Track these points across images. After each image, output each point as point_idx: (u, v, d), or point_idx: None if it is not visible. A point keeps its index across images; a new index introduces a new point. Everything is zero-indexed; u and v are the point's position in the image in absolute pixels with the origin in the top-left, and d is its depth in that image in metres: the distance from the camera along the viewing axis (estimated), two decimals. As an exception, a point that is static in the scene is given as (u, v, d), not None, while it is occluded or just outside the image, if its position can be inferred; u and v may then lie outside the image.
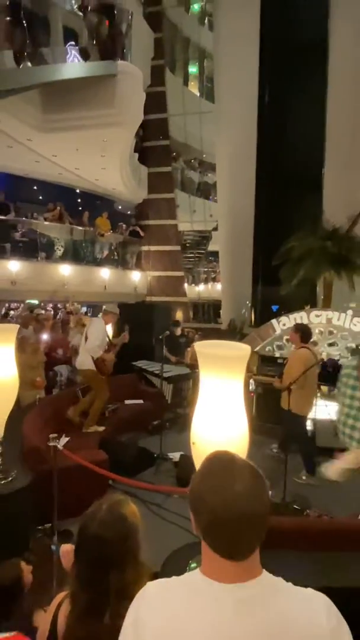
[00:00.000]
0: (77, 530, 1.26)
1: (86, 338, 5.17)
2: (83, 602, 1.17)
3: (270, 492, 0.89)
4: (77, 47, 7.22)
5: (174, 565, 1.99)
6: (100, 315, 5.46)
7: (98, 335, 5.11)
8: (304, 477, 4.62)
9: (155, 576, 1.22)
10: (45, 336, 7.73)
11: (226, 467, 0.89)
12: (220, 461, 0.91)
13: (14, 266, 10.18)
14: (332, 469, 3.02)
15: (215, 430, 1.78)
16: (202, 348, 1.87)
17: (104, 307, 5.51)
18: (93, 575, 1.18)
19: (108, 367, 5.39)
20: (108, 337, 5.47)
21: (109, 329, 5.73)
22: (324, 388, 6.74)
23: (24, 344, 6.05)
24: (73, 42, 7.41)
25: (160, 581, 0.91)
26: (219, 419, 1.78)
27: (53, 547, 2.93)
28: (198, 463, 1.90)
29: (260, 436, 5.21)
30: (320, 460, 5.12)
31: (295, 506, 3.87)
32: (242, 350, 1.82)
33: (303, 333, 4.83)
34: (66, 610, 1.19)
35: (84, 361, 5.11)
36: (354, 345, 7.35)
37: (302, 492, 4.24)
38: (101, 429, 5.03)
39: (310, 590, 0.86)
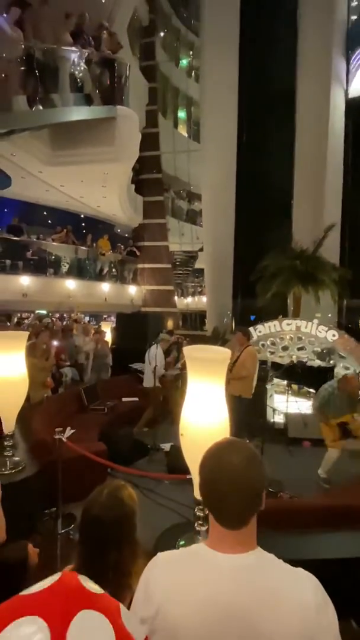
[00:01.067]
0: (80, 514, 1.23)
1: (150, 363, 5.57)
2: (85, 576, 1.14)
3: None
4: (82, 94, 7.26)
5: (164, 543, 1.95)
6: (155, 343, 5.86)
7: (161, 360, 5.65)
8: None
9: (151, 554, 1.18)
10: (55, 342, 7.60)
11: (231, 443, 0.89)
12: (228, 440, 0.92)
13: (26, 281, 10.07)
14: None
15: (200, 423, 1.76)
16: (190, 352, 1.87)
17: (160, 336, 6.06)
18: (94, 553, 1.14)
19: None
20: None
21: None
22: (294, 386, 6.77)
23: (34, 349, 5.95)
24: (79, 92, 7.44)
25: (170, 551, 0.91)
26: (204, 413, 1.77)
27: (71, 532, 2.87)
28: (186, 452, 1.88)
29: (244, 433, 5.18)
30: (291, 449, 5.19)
31: (270, 489, 3.84)
32: (223, 353, 1.81)
33: (247, 335, 5.35)
34: None
35: (149, 380, 5.51)
36: (319, 349, 7.41)
37: (276, 477, 4.22)
38: (146, 429, 5.33)
39: (300, 569, 0.84)
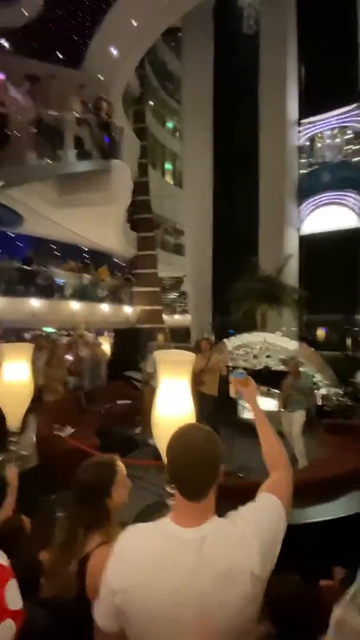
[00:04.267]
0: None
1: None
2: (69, 525, 1.15)
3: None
4: (83, 150, 7.47)
5: (143, 518, 1.97)
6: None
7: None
8: None
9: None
10: (69, 357, 7.42)
11: (193, 426, 0.91)
12: (191, 424, 0.94)
13: (35, 303, 10.05)
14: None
15: (169, 414, 1.81)
16: (161, 356, 1.93)
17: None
18: (76, 507, 1.17)
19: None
20: None
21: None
22: (263, 388, 6.83)
23: (51, 359, 5.93)
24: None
25: (137, 526, 0.87)
26: (172, 405, 1.82)
27: None
28: (159, 439, 1.92)
29: (207, 425, 5.16)
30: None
31: (239, 474, 3.85)
32: (188, 356, 1.88)
33: (210, 343, 5.50)
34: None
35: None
36: (283, 357, 7.53)
37: (246, 464, 4.20)
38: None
39: (248, 532, 0.80)
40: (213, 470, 0.83)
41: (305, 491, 2.60)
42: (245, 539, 0.79)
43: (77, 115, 7.65)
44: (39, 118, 6.71)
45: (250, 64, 11.95)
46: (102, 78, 9.94)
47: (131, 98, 14.37)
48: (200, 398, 4.88)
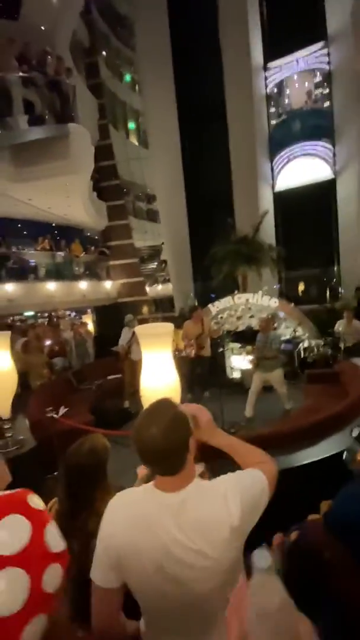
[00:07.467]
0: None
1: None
2: (67, 506, 1.26)
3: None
4: (35, 115, 6.81)
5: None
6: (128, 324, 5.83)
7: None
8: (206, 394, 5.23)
9: (121, 488, 1.30)
10: (47, 341, 7.47)
11: (150, 412, 0.87)
12: (150, 407, 0.89)
13: (10, 287, 9.69)
14: None
15: (154, 385, 1.87)
16: (140, 330, 1.95)
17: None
18: (74, 489, 1.27)
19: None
20: None
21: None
22: (249, 347, 7.07)
23: (27, 347, 5.87)
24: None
25: (124, 492, 0.94)
26: (156, 376, 1.87)
27: None
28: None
29: (199, 386, 5.40)
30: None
31: (232, 430, 4.10)
32: (167, 328, 1.91)
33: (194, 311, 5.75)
34: (55, 510, 1.30)
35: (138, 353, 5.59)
36: (264, 315, 7.72)
37: (235, 419, 4.45)
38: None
39: (228, 491, 0.85)
40: (181, 452, 0.85)
41: (292, 438, 2.83)
42: (226, 496, 0.84)
43: (22, 74, 6.85)
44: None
45: (208, 3, 10.85)
46: (43, 28, 8.85)
47: (81, 50, 12.96)
48: (200, 361, 5.09)
